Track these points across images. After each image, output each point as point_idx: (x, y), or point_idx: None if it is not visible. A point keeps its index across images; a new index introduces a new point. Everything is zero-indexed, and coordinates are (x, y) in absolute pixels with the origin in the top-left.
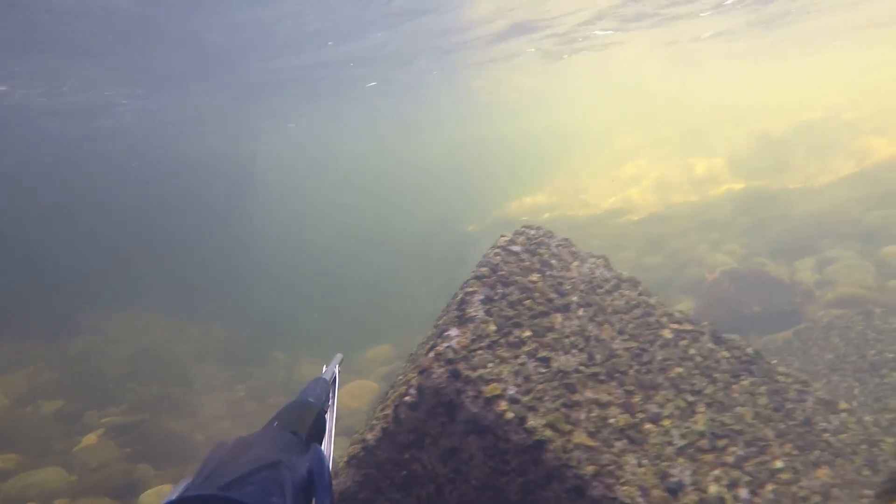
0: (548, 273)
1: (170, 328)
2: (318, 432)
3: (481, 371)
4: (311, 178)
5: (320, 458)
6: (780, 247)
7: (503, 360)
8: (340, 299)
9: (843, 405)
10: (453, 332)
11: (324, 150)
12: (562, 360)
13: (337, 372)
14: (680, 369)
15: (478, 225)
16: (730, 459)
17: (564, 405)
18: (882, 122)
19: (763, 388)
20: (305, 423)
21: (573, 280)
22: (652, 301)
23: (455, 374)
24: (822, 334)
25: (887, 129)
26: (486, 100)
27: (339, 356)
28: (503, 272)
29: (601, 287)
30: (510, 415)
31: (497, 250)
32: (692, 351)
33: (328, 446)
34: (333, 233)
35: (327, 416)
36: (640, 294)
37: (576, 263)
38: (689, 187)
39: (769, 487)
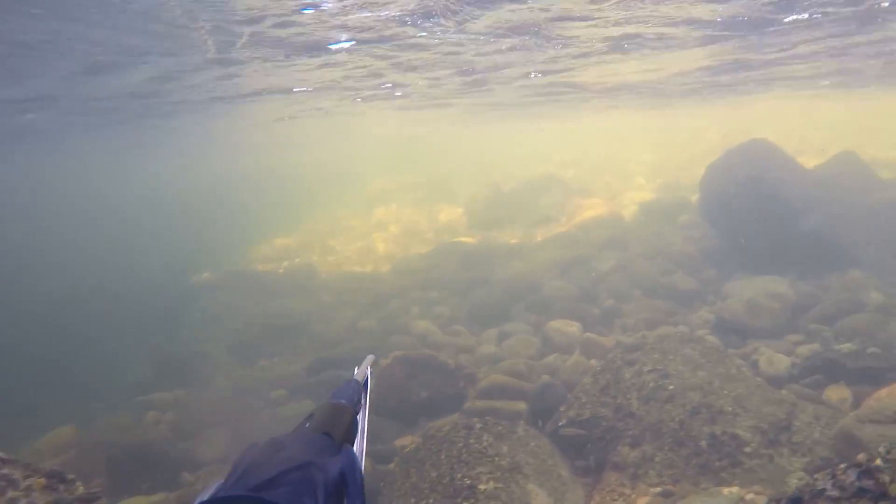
0: None
1: None
2: (350, 434)
3: None
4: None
5: (352, 460)
6: (480, 312)
7: None
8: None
9: None
10: None
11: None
12: None
13: (370, 374)
14: None
15: (212, 273)
16: None
17: None
18: (594, 183)
19: None
20: (338, 424)
21: None
22: None
23: None
24: (435, 447)
25: (597, 190)
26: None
27: (371, 357)
28: None
29: None
30: None
31: None
32: None
33: (361, 448)
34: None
35: (359, 417)
36: None
37: None
38: (431, 235)
39: None
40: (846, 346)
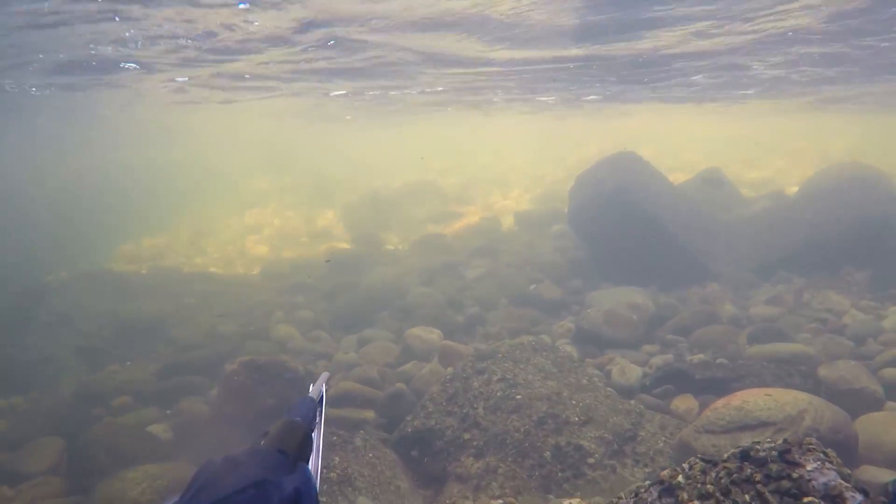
0: None
1: None
2: (305, 451)
3: None
4: None
5: (307, 478)
6: (344, 317)
7: None
8: None
9: None
10: None
11: None
12: None
13: (325, 391)
14: None
15: (68, 272)
16: None
17: None
18: (473, 192)
19: None
20: (293, 442)
21: None
22: None
23: None
24: None
25: (474, 198)
26: (110, 125)
27: (325, 374)
28: None
29: None
30: None
31: None
32: None
33: (316, 465)
34: None
35: (314, 434)
36: None
37: None
38: (305, 240)
39: None
40: (697, 357)
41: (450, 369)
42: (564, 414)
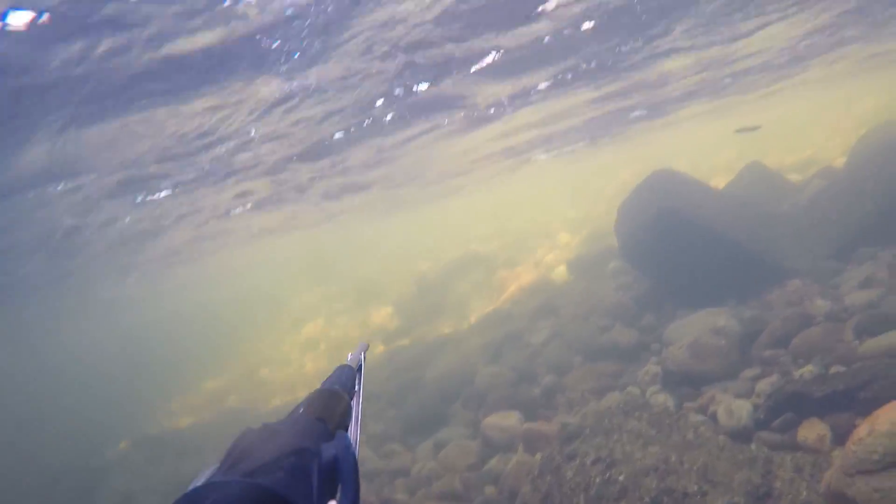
0: None
1: None
2: (344, 419)
3: None
4: None
5: (346, 445)
6: (414, 421)
7: None
8: None
9: None
10: None
11: None
12: None
13: (363, 359)
14: None
15: (129, 440)
16: None
17: None
18: (518, 252)
19: None
20: (332, 410)
21: None
22: None
23: None
24: None
25: (521, 257)
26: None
27: (364, 344)
28: None
29: None
30: None
31: None
32: None
33: (354, 433)
34: None
35: (353, 402)
36: None
37: None
38: None
39: None
40: (807, 370)
41: (538, 456)
42: (679, 485)
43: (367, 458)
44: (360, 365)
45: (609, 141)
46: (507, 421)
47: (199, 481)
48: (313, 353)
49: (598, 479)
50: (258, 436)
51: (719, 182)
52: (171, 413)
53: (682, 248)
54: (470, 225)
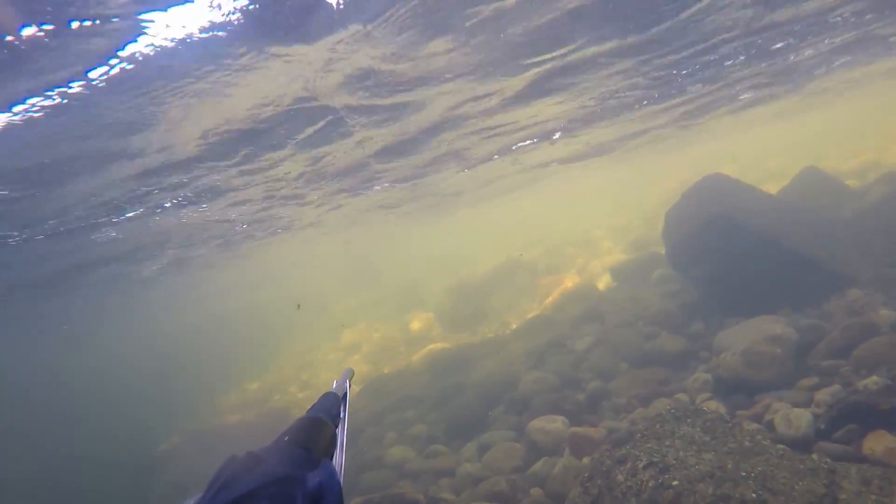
0: None
1: None
2: (329, 448)
3: None
4: None
5: (331, 473)
6: (457, 424)
7: None
8: None
9: None
10: None
11: None
12: None
13: (348, 387)
14: None
15: (180, 436)
16: None
17: None
18: (561, 258)
19: None
20: (316, 438)
21: None
22: None
23: None
24: None
25: (564, 264)
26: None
27: (349, 370)
28: None
29: None
30: None
31: None
32: None
33: (340, 461)
34: None
35: (338, 431)
36: None
37: None
38: (403, 349)
39: None
40: (871, 381)
41: (585, 460)
42: (738, 492)
43: (410, 458)
44: (346, 392)
45: (654, 148)
46: (552, 425)
47: None
48: (356, 355)
49: (650, 484)
50: (242, 464)
51: (771, 188)
52: (216, 412)
53: (733, 255)
54: (512, 231)
